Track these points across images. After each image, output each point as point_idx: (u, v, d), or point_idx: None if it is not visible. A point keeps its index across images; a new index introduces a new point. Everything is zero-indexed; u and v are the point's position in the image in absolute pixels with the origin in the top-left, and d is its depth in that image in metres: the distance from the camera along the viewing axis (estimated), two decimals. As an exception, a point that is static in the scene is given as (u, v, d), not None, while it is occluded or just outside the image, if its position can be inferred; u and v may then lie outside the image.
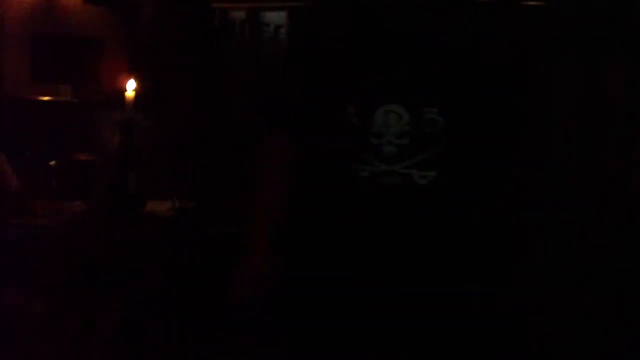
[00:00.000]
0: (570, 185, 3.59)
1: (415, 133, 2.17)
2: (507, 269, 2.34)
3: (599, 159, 4.30)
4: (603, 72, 4.53)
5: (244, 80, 6.29)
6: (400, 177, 2.19)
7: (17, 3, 13.44)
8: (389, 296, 2.29)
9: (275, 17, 5.36)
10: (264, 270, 3.45)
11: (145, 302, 3.59)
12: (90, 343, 3.35)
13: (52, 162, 4.39)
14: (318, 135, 2.27)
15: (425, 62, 2.13)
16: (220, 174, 4.32)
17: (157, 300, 3.58)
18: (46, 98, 12.20)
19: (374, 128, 2.20)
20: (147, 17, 11.42)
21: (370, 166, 2.21)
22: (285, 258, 3.27)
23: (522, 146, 2.29)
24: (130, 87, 4.06)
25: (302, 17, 2.94)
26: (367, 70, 2.16)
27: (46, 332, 3.28)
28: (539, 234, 2.90)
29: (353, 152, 2.21)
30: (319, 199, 2.43)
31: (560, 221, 3.45)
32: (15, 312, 3.23)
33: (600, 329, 3.23)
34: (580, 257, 3.76)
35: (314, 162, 2.36)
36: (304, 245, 2.76)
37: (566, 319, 2.87)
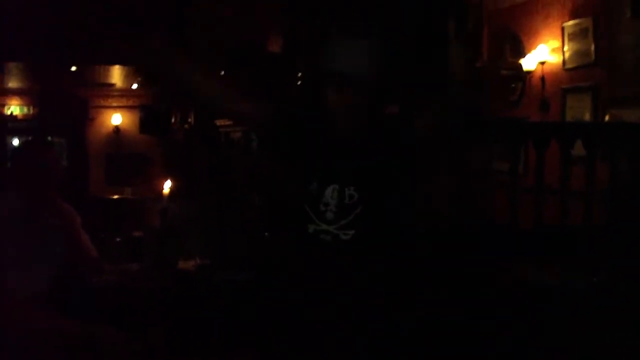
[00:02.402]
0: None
1: (343, 204, 2.21)
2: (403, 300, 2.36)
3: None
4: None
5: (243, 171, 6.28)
6: (332, 235, 2.21)
7: (95, 134, 13.43)
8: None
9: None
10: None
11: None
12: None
13: (118, 239, 4.36)
14: (293, 202, 2.36)
15: (350, 159, 2.27)
16: (226, 238, 4.25)
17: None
18: (115, 196, 12.19)
19: (324, 199, 2.25)
20: (177, 141, 11.43)
21: (316, 225, 2.24)
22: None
23: (410, 214, 2.36)
24: (167, 186, 4.06)
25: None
26: (325, 162, 2.27)
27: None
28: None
29: (309, 215, 2.26)
30: (285, 246, 2.51)
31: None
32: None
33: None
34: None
35: (287, 220, 2.44)
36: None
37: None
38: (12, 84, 12.53)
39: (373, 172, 2.27)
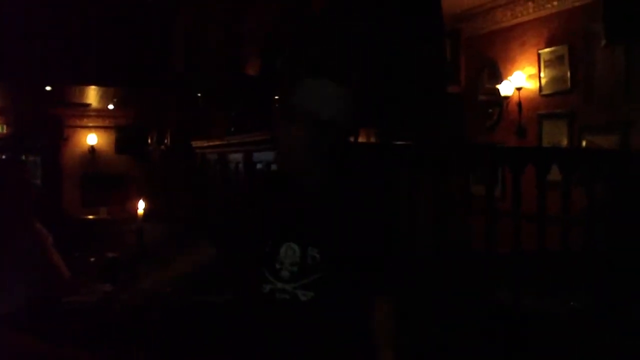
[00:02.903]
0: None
1: (302, 264, 2.14)
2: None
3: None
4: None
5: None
6: (289, 294, 2.15)
7: (70, 153, 13.33)
8: None
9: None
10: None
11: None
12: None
13: (92, 259, 4.30)
14: (248, 256, 2.32)
15: (315, 220, 2.18)
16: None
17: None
18: (91, 217, 12.08)
19: (279, 257, 2.17)
20: (153, 162, 11.37)
21: (271, 284, 2.18)
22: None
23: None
24: (141, 206, 4.01)
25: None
26: (280, 220, 2.20)
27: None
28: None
29: (263, 273, 2.20)
30: (240, 302, 2.47)
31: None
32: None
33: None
34: None
35: (242, 276, 2.39)
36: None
37: None
38: (-14, 102, 12.43)
39: (338, 233, 2.14)
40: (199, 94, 7.77)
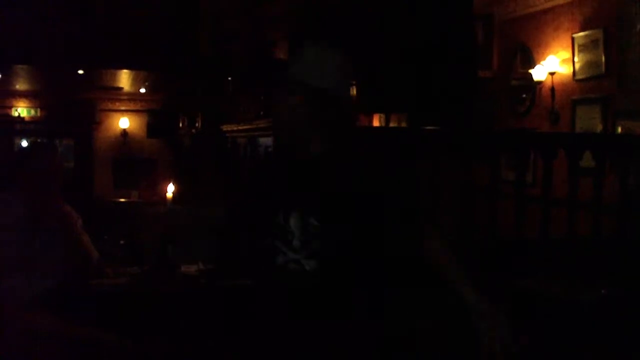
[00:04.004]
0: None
1: (306, 234, 2.17)
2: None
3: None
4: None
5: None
6: (299, 264, 2.17)
7: (103, 137, 13.46)
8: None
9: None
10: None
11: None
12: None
13: (121, 241, 4.34)
14: (263, 230, 2.27)
15: (313, 189, 2.19)
16: (231, 245, 4.21)
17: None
18: (122, 200, 12.21)
19: (290, 228, 2.19)
20: (184, 145, 11.43)
21: (284, 255, 2.20)
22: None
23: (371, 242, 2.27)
24: (170, 190, 4.04)
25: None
26: (288, 193, 2.21)
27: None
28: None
29: (276, 245, 2.22)
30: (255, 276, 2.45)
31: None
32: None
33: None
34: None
35: (256, 248, 2.35)
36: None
37: None
38: (20, 86, 12.56)
39: (335, 199, 2.15)
40: (229, 78, 7.78)
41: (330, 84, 2.16)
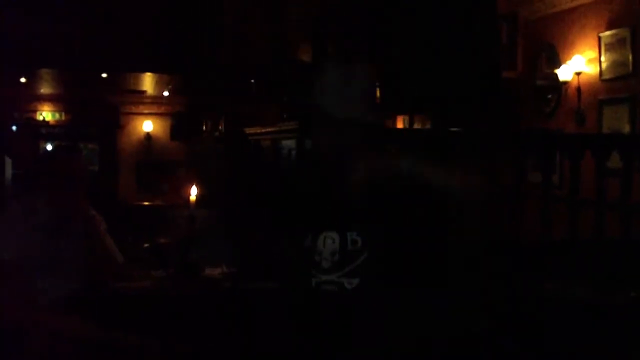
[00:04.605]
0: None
1: (342, 251, 2.12)
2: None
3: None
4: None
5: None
6: (335, 284, 2.12)
7: (127, 140, 13.55)
8: None
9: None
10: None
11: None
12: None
13: (145, 244, 4.36)
14: (289, 255, 2.25)
15: (349, 204, 2.16)
16: (254, 248, 4.21)
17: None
18: (146, 203, 12.27)
19: (317, 249, 2.14)
20: (208, 148, 11.48)
21: (315, 278, 2.14)
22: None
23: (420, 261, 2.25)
24: (193, 193, 4.04)
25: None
26: (317, 210, 2.17)
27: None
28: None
29: (305, 268, 2.17)
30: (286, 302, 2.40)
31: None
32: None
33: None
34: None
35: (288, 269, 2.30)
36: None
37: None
38: (44, 90, 12.68)
39: (376, 212, 2.13)
40: (252, 81, 7.80)
41: (360, 111, 2.13)
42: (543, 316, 3.74)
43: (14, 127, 12.86)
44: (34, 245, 3.03)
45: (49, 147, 12.94)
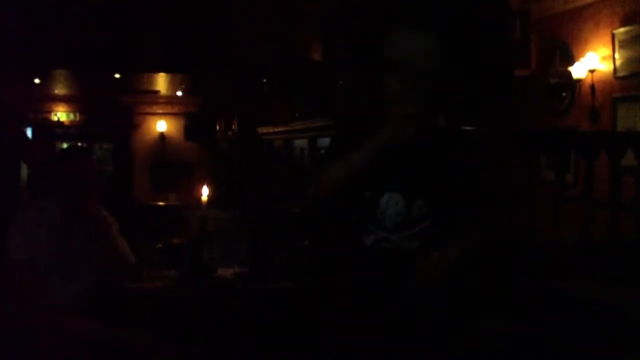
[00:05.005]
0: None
1: (407, 214, 2.20)
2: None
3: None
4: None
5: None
6: (393, 244, 2.20)
7: (141, 140, 13.59)
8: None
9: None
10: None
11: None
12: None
13: (159, 245, 4.35)
14: (346, 211, 2.29)
15: (418, 173, 2.24)
16: (266, 247, 4.23)
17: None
18: (161, 203, 12.31)
19: (380, 208, 2.20)
20: (221, 148, 11.49)
21: (374, 235, 2.21)
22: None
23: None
24: (205, 193, 4.04)
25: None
26: (382, 170, 2.22)
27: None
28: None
29: (365, 225, 2.23)
30: (340, 257, 2.45)
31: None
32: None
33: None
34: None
35: (341, 231, 2.36)
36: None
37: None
38: (59, 90, 12.74)
39: (443, 184, 2.20)
40: (264, 80, 7.81)
41: (428, 63, 2.21)
42: (556, 314, 3.72)
43: (29, 128, 12.93)
44: (46, 246, 3.05)
45: (64, 147, 13.00)
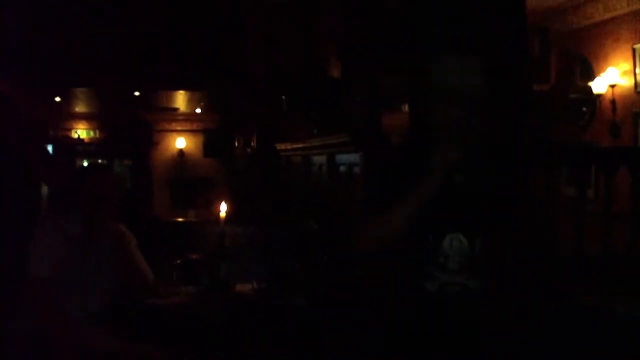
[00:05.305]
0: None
1: (470, 254, 2.15)
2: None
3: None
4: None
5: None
6: (460, 286, 2.15)
7: (160, 157, 13.62)
8: None
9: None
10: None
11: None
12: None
13: (178, 261, 4.36)
14: (408, 259, 2.21)
15: (476, 209, 2.18)
16: (283, 265, 4.23)
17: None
18: (180, 219, 12.35)
19: (443, 250, 2.15)
20: (240, 165, 11.53)
21: (439, 279, 2.15)
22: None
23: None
24: (223, 209, 4.06)
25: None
26: (438, 211, 2.14)
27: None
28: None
29: (429, 270, 2.16)
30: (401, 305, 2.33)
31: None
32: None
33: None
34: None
35: (400, 277, 2.26)
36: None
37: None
38: (79, 108, 12.86)
39: (495, 216, 2.16)
40: (283, 97, 7.83)
41: (476, 89, 2.14)
42: (581, 329, 3.69)
43: (50, 146, 13.05)
44: (65, 262, 3.06)
45: (85, 164, 13.09)
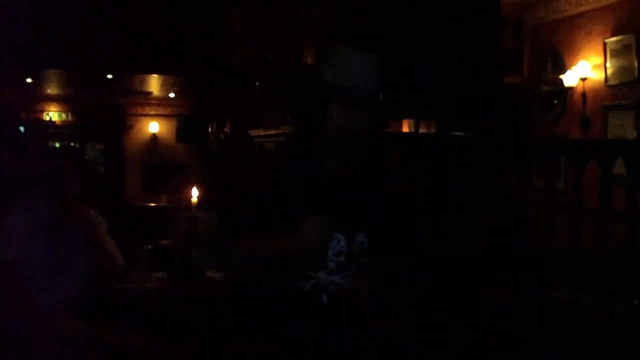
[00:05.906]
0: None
1: (348, 252, 2.08)
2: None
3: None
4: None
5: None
6: (337, 285, 2.07)
7: (133, 141, 13.49)
8: None
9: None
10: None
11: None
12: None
13: (148, 246, 4.32)
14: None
15: (358, 206, 2.11)
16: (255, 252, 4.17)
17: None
18: (152, 204, 12.27)
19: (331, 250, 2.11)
20: (213, 150, 11.46)
21: (314, 279, 2.08)
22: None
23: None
24: (195, 194, 4.03)
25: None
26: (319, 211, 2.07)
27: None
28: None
29: (301, 271, 2.10)
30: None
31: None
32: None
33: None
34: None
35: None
36: None
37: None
38: (51, 90, 12.67)
39: (381, 213, 2.10)
40: (257, 83, 7.78)
41: (362, 85, 2.05)
42: (547, 323, 3.71)
43: (21, 127, 12.86)
44: (32, 247, 3.01)
45: (56, 146, 12.92)
